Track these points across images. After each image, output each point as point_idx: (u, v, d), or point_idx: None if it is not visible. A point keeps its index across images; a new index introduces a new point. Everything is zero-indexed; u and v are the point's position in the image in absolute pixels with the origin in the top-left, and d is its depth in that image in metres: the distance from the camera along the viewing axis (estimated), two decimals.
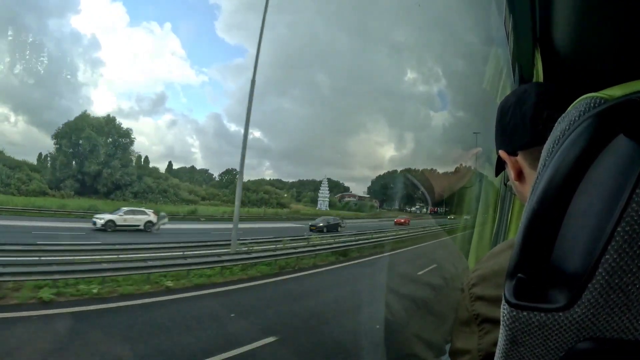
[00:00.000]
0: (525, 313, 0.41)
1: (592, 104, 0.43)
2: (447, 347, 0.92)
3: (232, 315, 8.78)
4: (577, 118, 0.43)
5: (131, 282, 10.30)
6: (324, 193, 48.37)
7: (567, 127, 0.43)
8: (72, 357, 6.23)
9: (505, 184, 1.01)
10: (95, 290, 9.43)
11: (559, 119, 0.46)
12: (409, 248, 20.62)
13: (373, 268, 14.98)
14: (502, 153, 0.88)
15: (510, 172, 0.87)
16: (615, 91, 0.43)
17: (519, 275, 0.42)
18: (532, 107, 0.83)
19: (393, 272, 12.51)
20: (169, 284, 10.55)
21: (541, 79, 1.26)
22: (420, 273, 11.90)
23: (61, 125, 34.64)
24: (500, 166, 0.94)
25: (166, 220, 25.00)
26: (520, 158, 0.85)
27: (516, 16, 1.22)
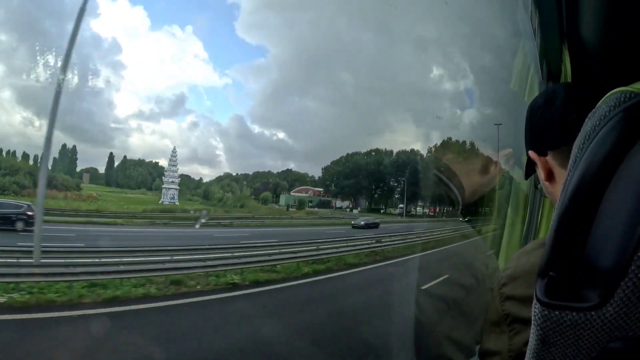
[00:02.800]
0: (557, 312, 0.40)
1: (622, 99, 0.42)
2: (477, 348, 0.91)
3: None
4: (607, 113, 0.42)
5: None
6: (169, 179, 31.82)
7: (598, 123, 0.42)
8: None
9: (536, 187, 1.00)
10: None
11: (590, 114, 0.46)
12: None
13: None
14: (531, 153, 0.87)
15: (541, 172, 0.86)
16: None
17: (551, 273, 0.41)
18: (561, 107, 0.82)
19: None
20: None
21: (569, 75, 1.23)
22: None
23: None
24: (530, 168, 0.93)
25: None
26: (550, 158, 0.83)
27: (542, 12, 1.20)
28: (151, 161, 42.15)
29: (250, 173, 45.41)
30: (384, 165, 44.16)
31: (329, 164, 46.55)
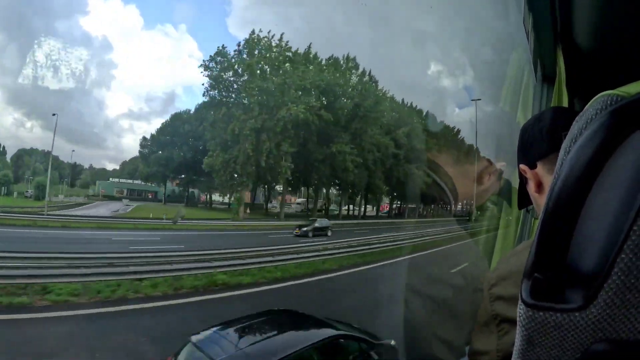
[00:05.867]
0: (541, 313, 0.40)
1: (608, 102, 0.42)
2: (467, 349, 0.91)
3: None
4: (593, 116, 0.42)
5: None
6: None
7: (584, 125, 0.42)
8: None
9: (527, 211, 1.01)
10: None
11: (577, 117, 0.46)
12: None
13: None
14: (522, 167, 0.89)
15: (531, 185, 0.88)
16: (633, 88, 0.42)
17: (536, 275, 0.41)
18: (550, 120, 0.85)
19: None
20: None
21: (564, 77, 1.24)
22: None
23: None
24: (522, 195, 0.94)
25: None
26: (539, 169, 0.85)
27: (536, 14, 1.21)
28: (43, 150, 37.58)
29: None
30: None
31: (154, 133, 32.37)
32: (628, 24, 0.83)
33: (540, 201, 0.86)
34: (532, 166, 0.86)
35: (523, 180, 0.91)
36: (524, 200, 0.94)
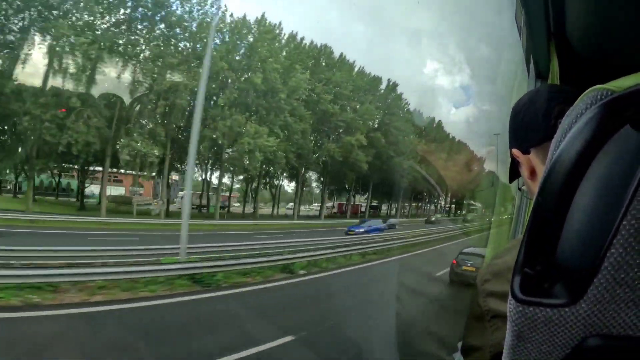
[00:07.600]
0: (531, 308, 0.40)
1: (599, 96, 0.42)
2: (460, 344, 0.92)
3: None
4: (584, 110, 0.42)
5: None
6: None
7: (574, 120, 0.42)
8: None
9: (520, 189, 1.00)
10: None
11: (567, 112, 0.45)
12: None
13: None
14: (515, 152, 0.88)
15: (524, 171, 0.86)
16: (624, 82, 0.42)
17: (526, 270, 0.41)
18: (545, 103, 0.83)
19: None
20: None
21: (557, 74, 1.24)
22: None
23: None
24: (514, 170, 0.93)
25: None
26: (533, 155, 0.84)
27: (529, 11, 1.20)
28: None
29: None
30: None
31: None
32: (621, 20, 0.83)
33: (533, 187, 0.85)
34: (525, 151, 0.85)
35: (515, 161, 0.90)
36: (514, 174, 0.93)
